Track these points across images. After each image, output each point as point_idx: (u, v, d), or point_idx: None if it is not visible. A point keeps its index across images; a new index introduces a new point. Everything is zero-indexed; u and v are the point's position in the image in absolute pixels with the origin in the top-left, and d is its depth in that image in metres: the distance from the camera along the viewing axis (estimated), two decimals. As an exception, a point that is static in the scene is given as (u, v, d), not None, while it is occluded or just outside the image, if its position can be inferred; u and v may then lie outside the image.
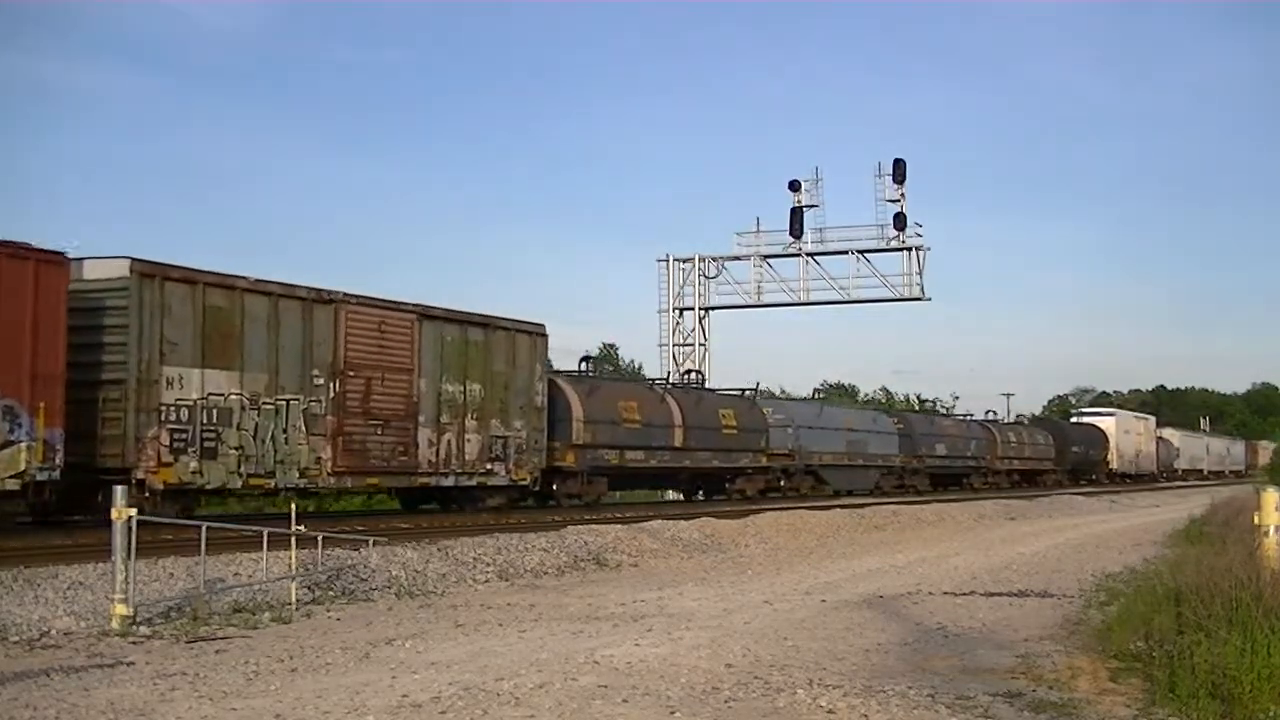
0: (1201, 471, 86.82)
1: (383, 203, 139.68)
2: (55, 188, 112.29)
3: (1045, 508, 35.12)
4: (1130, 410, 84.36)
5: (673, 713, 6.99)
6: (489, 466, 22.14)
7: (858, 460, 38.40)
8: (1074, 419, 66.32)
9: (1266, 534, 10.68)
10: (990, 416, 56.18)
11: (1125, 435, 67.15)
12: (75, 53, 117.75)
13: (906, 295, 45.21)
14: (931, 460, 43.72)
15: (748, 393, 34.92)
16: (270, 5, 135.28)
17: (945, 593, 13.48)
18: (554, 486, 25.00)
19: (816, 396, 44.99)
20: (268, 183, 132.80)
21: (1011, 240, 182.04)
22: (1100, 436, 63.50)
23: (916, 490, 41.25)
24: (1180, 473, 79.24)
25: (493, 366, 22.31)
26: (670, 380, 37.35)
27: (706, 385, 36.81)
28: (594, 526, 19.05)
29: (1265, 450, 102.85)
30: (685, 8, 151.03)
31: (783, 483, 34.16)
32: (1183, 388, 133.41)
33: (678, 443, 28.63)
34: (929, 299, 44.87)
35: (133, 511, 10.38)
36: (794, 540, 21.30)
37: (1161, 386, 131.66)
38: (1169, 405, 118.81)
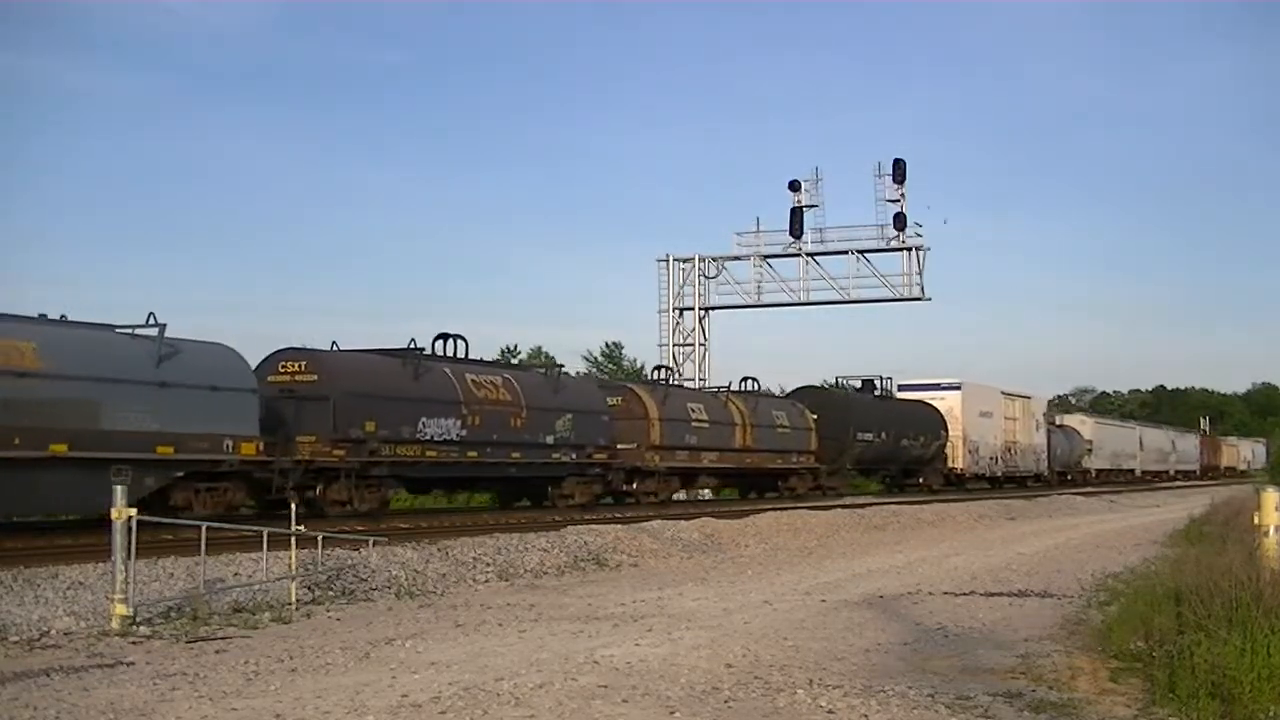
0: (1132, 472, 67.47)
1: (381, 202, 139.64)
2: (52, 187, 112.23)
3: (1045, 508, 35.15)
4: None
5: (673, 713, 6.99)
6: None
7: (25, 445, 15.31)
8: (894, 393, 43.91)
9: (1266, 534, 10.68)
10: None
11: (981, 420, 46.77)
12: (71, 51, 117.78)
13: (906, 295, 45.17)
14: (412, 450, 21.66)
15: None
16: (269, 5, 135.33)
17: (945, 593, 13.48)
18: None
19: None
20: (265, 182, 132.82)
21: (1011, 240, 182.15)
22: (933, 419, 42.90)
23: (352, 507, 20.49)
24: (1093, 474, 59.86)
25: None
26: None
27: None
28: (594, 526, 19.07)
29: (1231, 449, 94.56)
30: (685, 8, 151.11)
31: None
32: (1183, 388, 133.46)
33: None
34: (929, 299, 44.83)
35: (132, 511, 10.38)
36: (794, 540, 21.31)
37: (1161, 386, 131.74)
38: (1169, 405, 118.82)
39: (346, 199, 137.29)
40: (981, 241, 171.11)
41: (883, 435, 38.94)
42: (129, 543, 10.24)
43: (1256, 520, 10.97)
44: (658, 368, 34.22)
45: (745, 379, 35.40)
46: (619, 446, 27.26)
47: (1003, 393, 50.34)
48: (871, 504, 30.31)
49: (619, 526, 19.30)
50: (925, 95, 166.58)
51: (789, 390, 42.32)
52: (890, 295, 45.63)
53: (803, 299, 46.99)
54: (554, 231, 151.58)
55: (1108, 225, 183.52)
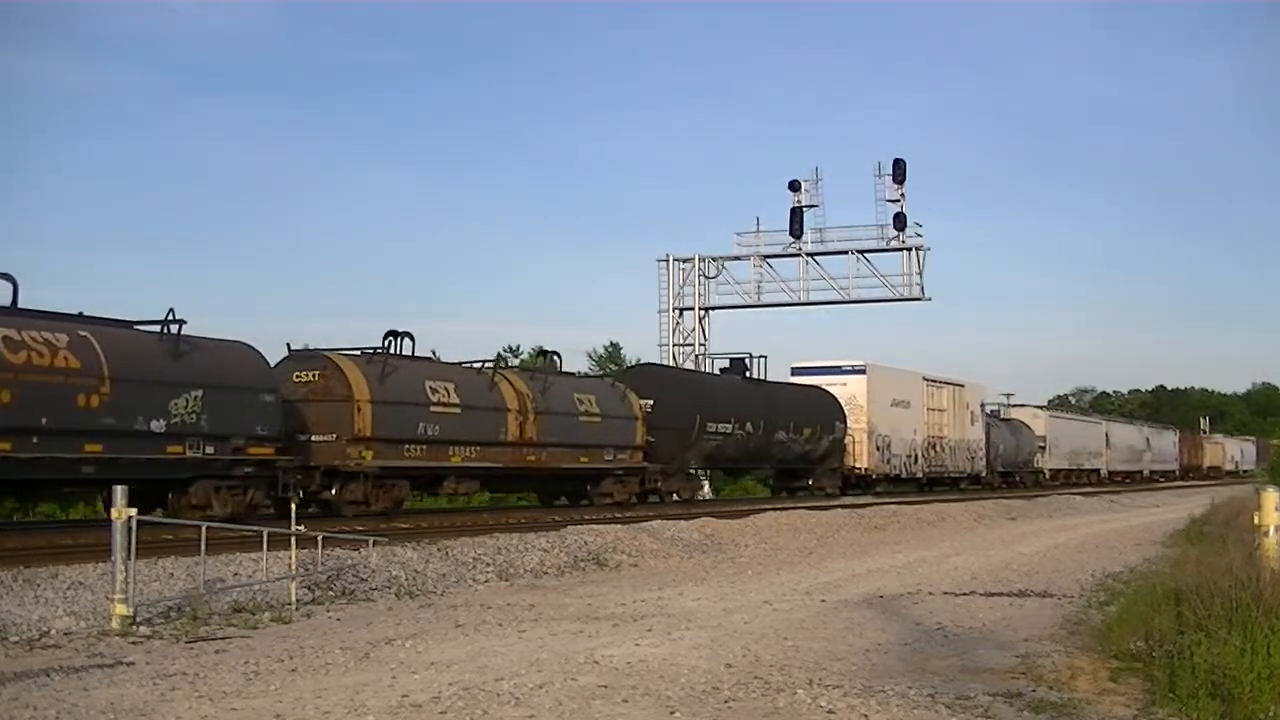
0: (1097, 473, 61.28)
1: (381, 202, 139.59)
2: (52, 187, 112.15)
3: (1045, 508, 35.13)
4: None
5: (673, 713, 6.99)
6: None
7: None
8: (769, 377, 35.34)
9: (1266, 534, 10.69)
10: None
11: (894, 411, 39.94)
12: (71, 51, 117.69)
13: (906, 295, 45.21)
14: None
15: None
16: (269, 5, 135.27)
17: (945, 593, 13.48)
18: None
19: None
20: (265, 183, 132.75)
21: (1011, 240, 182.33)
22: (827, 408, 35.37)
23: None
24: (1047, 475, 53.98)
25: None
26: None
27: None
28: (594, 526, 19.07)
29: (1215, 448, 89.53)
30: (686, 8, 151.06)
31: None
32: (1183, 388, 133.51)
33: None
34: (929, 299, 44.87)
35: (133, 511, 10.39)
36: (794, 540, 21.30)
37: (1161, 386, 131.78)
38: (1169, 405, 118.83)
39: (346, 199, 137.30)
40: (981, 241, 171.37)
41: (748, 427, 31.02)
42: (129, 543, 10.24)
43: (1256, 520, 10.97)
44: (389, 334, 22.68)
45: (542, 353, 26.02)
46: (313, 439, 20.67)
47: (926, 379, 43.51)
48: (871, 504, 30.28)
49: (619, 526, 19.30)
50: (925, 95, 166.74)
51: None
52: (890, 295, 45.68)
53: (803, 299, 47.03)
54: (554, 231, 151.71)
55: (1108, 225, 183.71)
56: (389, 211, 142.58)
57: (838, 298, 46.95)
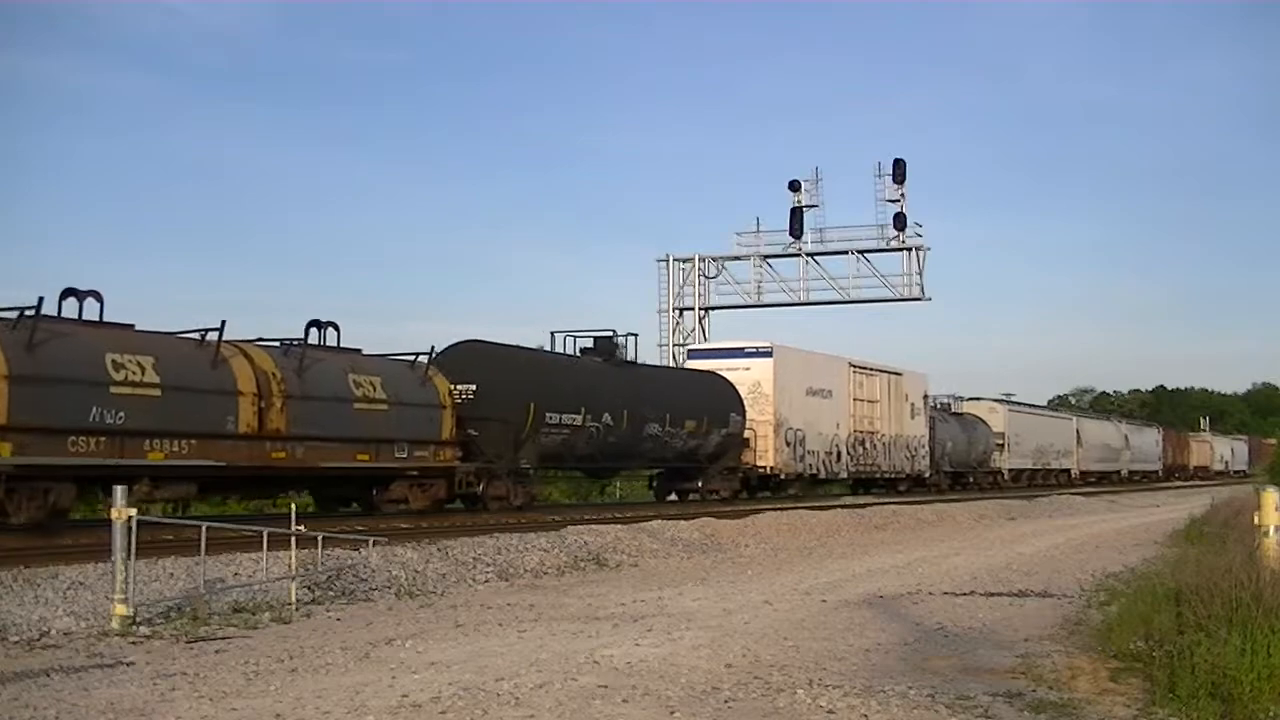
0: (1067, 474, 56.80)
1: (381, 202, 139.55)
2: (52, 188, 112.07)
3: (1045, 508, 35.19)
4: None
5: (673, 713, 6.99)
6: None
7: None
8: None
9: (1266, 534, 10.69)
10: None
11: (811, 400, 34.14)
12: (71, 52, 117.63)
13: (906, 295, 45.30)
14: None
15: None
16: (269, 5, 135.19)
17: (945, 593, 13.48)
18: None
19: None
20: (265, 183, 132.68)
21: (1011, 240, 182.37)
22: (721, 397, 30.18)
23: None
24: (1005, 476, 49.30)
25: None
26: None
27: None
28: (594, 526, 19.07)
29: (1203, 446, 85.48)
30: (685, 8, 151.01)
31: None
32: (1183, 388, 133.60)
33: None
34: (929, 299, 44.97)
35: (133, 511, 10.38)
36: (794, 540, 21.31)
37: (1161, 386, 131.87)
38: (1169, 405, 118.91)
39: (346, 199, 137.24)
40: (981, 241, 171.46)
41: (606, 419, 25.54)
42: (129, 543, 10.23)
43: (1256, 520, 10.97)
44: (67, 292, 17.21)
45: (313, 323, 20.85)
46: None
47: (852, 365, 37.36)
48: (871, 504, 30.30)
49: (619, 526, 19.31)
50: (925, 95, 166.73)
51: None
52: (890, 295, 45.77)
53: (803, 299, 47.12)
54: (554, 232, 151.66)
55: (1108, 225, 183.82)
56: (389, 211, 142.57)
57: (838, 298, 47.05)
